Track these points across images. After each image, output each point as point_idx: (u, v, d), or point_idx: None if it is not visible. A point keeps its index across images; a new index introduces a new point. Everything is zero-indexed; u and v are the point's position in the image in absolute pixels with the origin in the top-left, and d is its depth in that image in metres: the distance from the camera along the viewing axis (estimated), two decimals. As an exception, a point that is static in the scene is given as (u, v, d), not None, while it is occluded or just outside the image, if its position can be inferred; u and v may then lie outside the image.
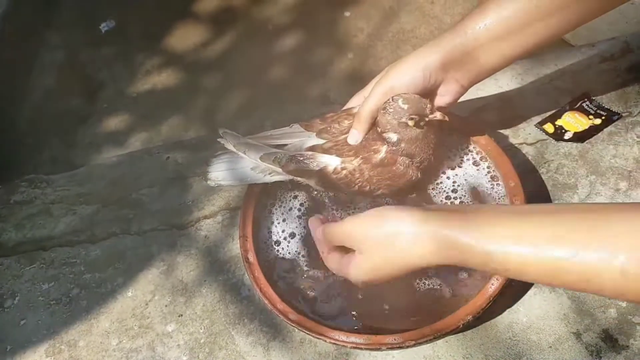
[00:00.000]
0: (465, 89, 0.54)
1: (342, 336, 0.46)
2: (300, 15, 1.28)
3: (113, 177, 0.73)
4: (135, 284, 0.61)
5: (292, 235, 0.56)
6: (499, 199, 0.55)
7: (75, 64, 1.23)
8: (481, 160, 0.58)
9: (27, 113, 1.15)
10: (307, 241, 0.56)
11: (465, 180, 0.57)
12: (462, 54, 0.51)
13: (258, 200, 0.57)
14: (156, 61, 1.23)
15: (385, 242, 0.41)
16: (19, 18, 1.19)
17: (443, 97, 0.54)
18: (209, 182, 0.58)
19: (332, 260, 0.46)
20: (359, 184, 0.52)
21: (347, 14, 1.26)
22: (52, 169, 0.78)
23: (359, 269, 0.43)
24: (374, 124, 0.53)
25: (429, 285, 0.50)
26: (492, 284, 0.46)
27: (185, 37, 1.25)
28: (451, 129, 0.59)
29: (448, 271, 0.51)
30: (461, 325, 0.45)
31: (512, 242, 0.36)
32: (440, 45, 0.51)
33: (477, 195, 0.56)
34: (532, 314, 0.51)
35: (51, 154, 1.06)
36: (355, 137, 0.54)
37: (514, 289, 0.51)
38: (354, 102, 0.57)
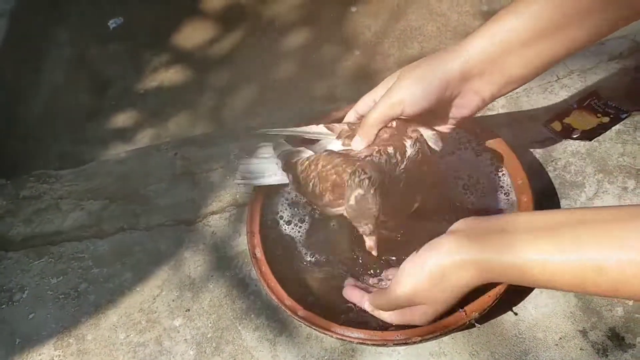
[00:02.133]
0: (485, 103, 0.49)
1: (348, 332, 0.46)
2: (307, 12, 1.29)
3: (121, 173, 0.73)
4: (143, 279, 0.62)
5: (299, 231, 0.57)
6: (505, 194, 0.55)
7: (84, 60, 1.25)
8: (491, 160, 0.58)
9: (36, 109, 1.16)
10: (314, 238, 0.56)
11: (472, 176, 0.58)
12: (487, 61, 0.46)
13: (266, 196, 0.58)
14: (164, 58, 1.24)
15: (437, 285, 0.43)
16: (28, 15, 1.20)
17: (459, 110, 0.49)
18: (237, 181, 0.59)
19: (396, 319, 0.47)
20: (312, 181, 0.50)
21: (353, 9, 1.27)
22: (61, 164, 0.79)
23: (426, 314, 0.45)
24: (378, 133, 0.50)
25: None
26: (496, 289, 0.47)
27: (192, 35, 1.26)
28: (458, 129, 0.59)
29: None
30: (467, 322, 0.45)
31: (548, 254, 0.38)
32: (462, 51, 0.46)
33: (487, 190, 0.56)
34: (538, 312, 0.51)
35: (60, 149, 1.07)
36: (358, 143, 0.51)
37: (517, 289, 0.51)
38: (362, 103, 0.54)
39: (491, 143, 0.58)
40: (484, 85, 0.48)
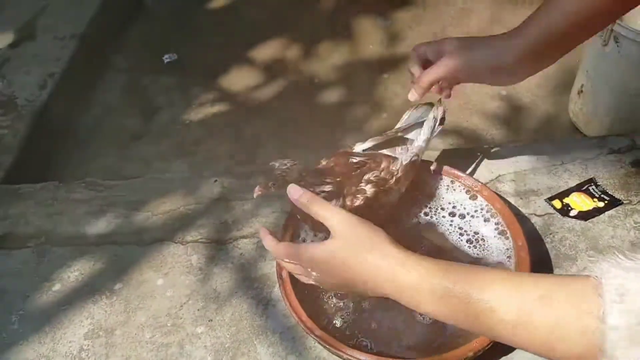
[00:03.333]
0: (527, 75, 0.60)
1: (356, 354, 0.52)
2: (344, 74, 1.41)
3: (165, 191, 0.81)
4: (173, 287, 0.68)
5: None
6: (506, 250, 0.63)
7: (137, 87, 1.36)
8: (492, 217, 0.66)
9: (88, 124, 1.26)
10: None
11: (478, 233, 0.65)
12: (528, 51, 0.58)
13: (296, 227, 0.65)
14: (210, 96, 1.36)
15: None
16: (93, 40, 1.33)
17: (508, 81, 0.62)
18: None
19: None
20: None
21: (385, 75, 1.39)
22: (104, 176, 0.87)
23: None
24: (428, 89, 0.63)
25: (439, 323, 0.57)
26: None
27: (238, 79, 1.38)
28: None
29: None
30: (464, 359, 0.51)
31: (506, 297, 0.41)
32: (520, 36, 0.58)
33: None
34: (528, 356, 0.56)
35: (104, 163, 1.17)
36: (413, 95, 0.65)
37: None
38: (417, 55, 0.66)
39: (498, 208, 0.66)
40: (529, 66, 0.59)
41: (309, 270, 0.51)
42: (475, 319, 0.41)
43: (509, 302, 0.40)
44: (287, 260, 0.53)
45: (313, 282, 0.53)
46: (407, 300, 0.45)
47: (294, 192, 0.53)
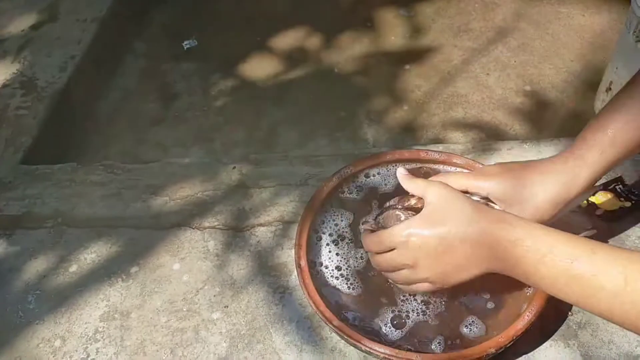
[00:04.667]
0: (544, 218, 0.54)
1: (375, 346, 0.51)
2: (365, 64, 1.39)
3: (183, 176, 0.81)
4: (189, 272, 0.68)
5: (342, 258, 0.63)
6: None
7: (156, 73, 1.36)
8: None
9: (107, 108, 1.26)
10: (350, 261, 0.62)
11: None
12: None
13: (315, 217, 0.64)
14: (229, 83, 1.35)
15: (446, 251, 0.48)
16: (114, 24, 1.32)
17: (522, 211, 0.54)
18: None
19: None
20: None
21: (407, 67, 1.37)
22: (122, 160, 0.86)
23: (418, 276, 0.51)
24: None
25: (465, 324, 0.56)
26: (516, 326, 0.52)
27: (258, 67, 1.37)
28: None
29: (482, 310, 0.56)
30: (484, 356, 0.50)
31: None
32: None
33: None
34: (546, 365, 0.55)
35: (122, 147, 1.16)
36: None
37: (532, 338, 0.56)
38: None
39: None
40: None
41: (406, 247, 0.49)
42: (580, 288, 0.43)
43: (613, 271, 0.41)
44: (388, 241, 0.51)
45: (408, 274, 0.51)
46: (531, 252, 0.45)
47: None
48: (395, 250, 0.51)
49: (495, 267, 0.48)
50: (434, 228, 0.49)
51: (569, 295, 0.45)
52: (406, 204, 0.54)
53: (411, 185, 0.54)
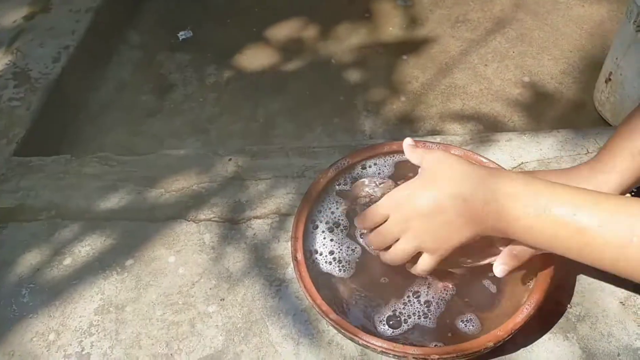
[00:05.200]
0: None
1: (373, 340, 0.51)
2: (362, 55, 1.38)
3: (178, 168, 0.80)
4: (185, 265, 0.67)
5: (336, 244, 0.62)
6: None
7: (151, 64, 1.34)
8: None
9: (101, 99, 1.25)
10: (347, 252, 0.62)
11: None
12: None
13: (312, 209, 0.64)
14: (225, 74, 1.33)
15: (436, 217, 0.47)
16: (109, 15, 1.31)
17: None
18: None
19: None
20: None
21: (404, 57, 1.36)
22: (116, 152, 0.85)
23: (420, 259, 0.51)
24: None
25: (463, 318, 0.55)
26: (515, 319, 0.51)
27: (254, 58, 1.36)
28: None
29: (481, 304, 0.56)
30: (482, 350, 0.50)
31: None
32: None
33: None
34: (543, 356, 0.54)
35: (117, 139, 1.15)
36: None
37: (531, 331, 0.56)
38: None
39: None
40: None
41: (398, 210, 0.48)
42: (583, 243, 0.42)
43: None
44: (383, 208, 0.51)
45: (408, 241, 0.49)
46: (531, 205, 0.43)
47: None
48: (388, 219, 0.50)
49: (490, 226, 0.46)
50: (424, 188, 0.47)
51: (570, 249, 0.43)
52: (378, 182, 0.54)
53: (412, 154, 0.53)
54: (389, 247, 0.52)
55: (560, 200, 0.43)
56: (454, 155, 0.49)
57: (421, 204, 0.47)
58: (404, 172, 0.66)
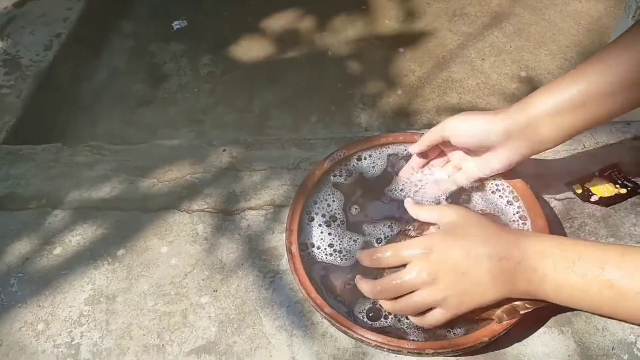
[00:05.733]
0: (524, 158, 0.57)
1: (368, 334, 0.50)
2: (359, 48, 1.37)
3: (172, 158, 0.79)
4: (178, 256, 0.66)
5: (331, 236, 0.61)
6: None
7: (144, 53, 1.33)
8: (514, 200, 0.63)
9: (93, 88, 1.23)
10: (342, 246, 0.61)
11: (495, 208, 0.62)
12: (526, 125, 0.54)
13: (307, 200, 0.63)
14: (220, 64, 1.32)
15: (464, 274, 0.47)
16: (101, 3, 1.29)
17: (500, 161, 0.58)
18: None
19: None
20: None
21: (401, 50, 1.35)
22: (107, 141, 0.84)
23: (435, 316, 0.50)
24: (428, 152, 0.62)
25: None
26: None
27: (249, 49, 1.34)
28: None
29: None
30: (477, 345, 0.49)
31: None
32: (507, 114, 0.55)
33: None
34: (539, 350, 0.54)
35: (109, 128, 1.14)
36: (412, 148, 0.63)
37: (526, 325, 0.55)
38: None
39: (520, 191, 0.63)
40: (523, 143, 0.55)
41: (426, 261, 0.47)
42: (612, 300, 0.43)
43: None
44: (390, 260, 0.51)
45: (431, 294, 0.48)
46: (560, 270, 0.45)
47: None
48: (410, 265, 0.48)
49: (521, 287, 0.47)
50: (458, 241, 0.47)
51: (604, 303, 0.44)
52: (415, 231, 0.52)
53: (423, 212, 0.54)
54: (399, 295, 0.50)
55: (587, 255, 0.44)
56: (475, 212, 0.51)
57: (454, 258, 0.47)
58: (395, 162, 0.66)
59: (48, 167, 0.79)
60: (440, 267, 0.47)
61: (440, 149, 0.65)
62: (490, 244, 0.47)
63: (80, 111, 1.16)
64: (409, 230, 0.53)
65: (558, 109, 0.52)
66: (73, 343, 0.59)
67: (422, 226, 0.53)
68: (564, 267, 0.45)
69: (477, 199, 0.64)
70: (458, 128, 0.57)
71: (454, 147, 0.62)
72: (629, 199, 0.67)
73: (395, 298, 0.50)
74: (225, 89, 1.24)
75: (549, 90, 0.54)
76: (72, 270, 0.66)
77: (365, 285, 0.52)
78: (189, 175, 0.76)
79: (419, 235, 0.51)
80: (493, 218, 0.60)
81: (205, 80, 1.26)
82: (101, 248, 0.68)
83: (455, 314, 0.49)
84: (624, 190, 0.67)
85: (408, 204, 0.56)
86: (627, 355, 0.53)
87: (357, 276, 0.54)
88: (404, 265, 0.49)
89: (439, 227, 0.51)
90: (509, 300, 0.49)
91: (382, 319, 0.54)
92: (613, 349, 0.53)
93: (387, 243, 0.56)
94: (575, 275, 0.44)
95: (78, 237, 0.70)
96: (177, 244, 0.67)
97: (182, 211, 0.71)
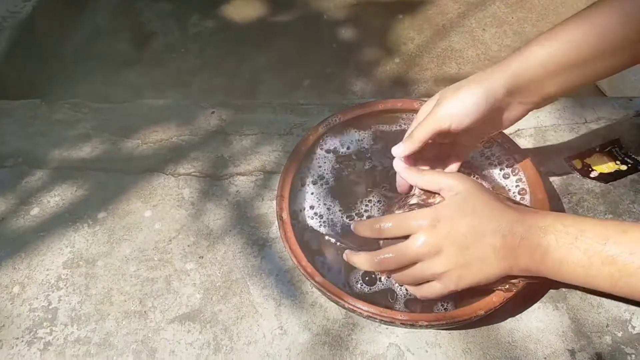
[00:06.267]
0: (527, 112, 0.53)
1: (359, 304, 0.48)
2: (355, 12, 1.32)
3: (157, 118, 0.75)
4: (162, 220, 0.63)
5: (321, 201, 0.59)
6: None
7: (130, 11, 1.26)
8: (512, 173, 0.61)
9: (75, 45, 1.17)
10: (335, 214, 0.59)
11: (495, 188, 0.60)
12: (529, 79, 0.50)
13: (299, 167, 0.60)
14: (210, 24, 1.26)
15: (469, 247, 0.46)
16: (84, -45, 1.21)
17: (505, 120, 0.53)
18: None
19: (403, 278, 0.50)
20: None
21: (400, 16, 1.30)
22: (88, 100, 0.79)
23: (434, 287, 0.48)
24: (423, 147, 0.53)
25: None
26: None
27: (241, 9, 1.28)
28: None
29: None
30: (473, 317, 0.48)
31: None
32: (506, 69, 0.50)
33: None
34: (533, 325, 0.53)
35: (90, 87, 1.09)
36: (400, 149, 0.53)
37: (520, 300, 0.54)
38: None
39: (521, 163, 0.61)
40: (526, 98, 0.51)
41: (432, 232, 0.46)
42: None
43: None
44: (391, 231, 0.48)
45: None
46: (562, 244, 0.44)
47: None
48: (415, 236, 0.46)
49: (522, 263, 0.46)
50: (465, 216, 0.46)
51: (604, 280, 0.44)
52: (417, 199, 0.49)
53: (424, 179, 0.50)
54: (404, 267, 0.48)
55: (589, 230, 0.44)
56: (482, 186, 0.49)
57: (460, 231, 0.46)
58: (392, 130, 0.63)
59: (25, 124, 0.75)
60: (445, 240, 0.46)
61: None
62: (495, 220, 0.46)
63: (61, 69, 1.10)
64: (409, 198, 0.51)
65: (563, 63, 0.49)
66: (50, 307, 0.56)
67: (425, 196, 0.50)
68: (567, 243, 0.44)
69: (477, 171, 0.62)
70: (456, 112, 0.50)
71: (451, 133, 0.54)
72: (628, 176, 0.65)
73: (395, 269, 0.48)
74: (214, 51, 1.19)
75: (549, 40, 0.50)
76: (50, 232, 0.63)
77: (359, 258, 0.50)
78: (175, 137, 0.73)
79: (420, 204, 0.49)
80: (496, 191, 0.58)
81: (193, 40, 1.20)
82: (81, 210, 0.65)
83: (455, 289, 0.48)
84: (624, 167, 0.66)
85: (403, 168, 0.53)
86: (621, 332, 0.52)
87: (346, 251, 0.51)
88: (404, 237, 0.47)
89: (442, 198, 0.49)
90: (507, 277, 0.47)
91: (378, 282, 0.53)
92: (607, 325, 0.53)
93: (383, 212, 0.53)
94: (578, 251, 0.44)
95: (57, 198, 0.66)
96: (161, 208, 0.65)
97: (167, 174, 0.68)
